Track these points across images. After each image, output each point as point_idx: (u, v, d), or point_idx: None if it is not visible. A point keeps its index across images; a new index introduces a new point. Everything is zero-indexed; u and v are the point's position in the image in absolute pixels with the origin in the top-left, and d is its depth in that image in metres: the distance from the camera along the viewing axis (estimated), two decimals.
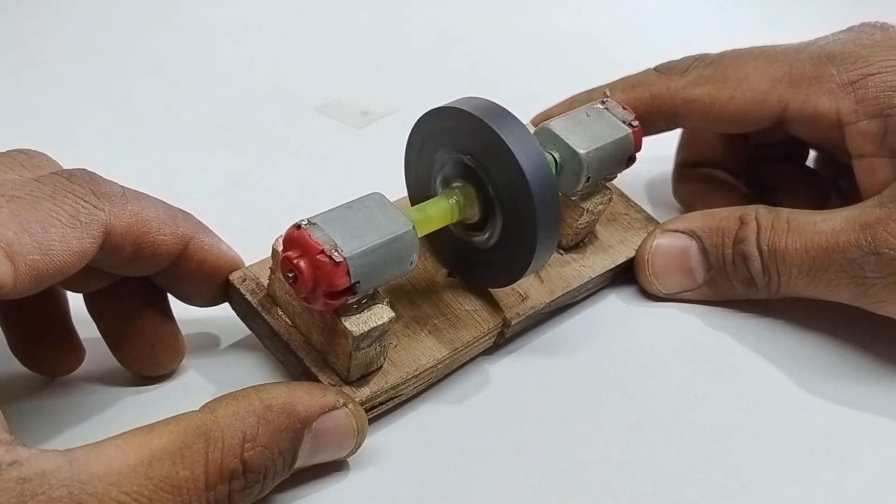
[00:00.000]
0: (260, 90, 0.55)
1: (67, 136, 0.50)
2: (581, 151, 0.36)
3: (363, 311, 0.31)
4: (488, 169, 0.33)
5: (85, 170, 0.30)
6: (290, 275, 0.30)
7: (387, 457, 0.32)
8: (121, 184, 0.31)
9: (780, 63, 0.37)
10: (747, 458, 0.33)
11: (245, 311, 0.34)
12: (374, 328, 0.30)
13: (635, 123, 0.38)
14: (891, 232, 0.32)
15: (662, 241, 0.38)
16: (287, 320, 0.33)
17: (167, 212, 0.32)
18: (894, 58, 0.34)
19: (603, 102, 0.38)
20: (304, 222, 0.30)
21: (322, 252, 0.29)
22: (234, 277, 0.34)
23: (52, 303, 0.33)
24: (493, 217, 0.34)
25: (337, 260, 0.29)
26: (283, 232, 0.31)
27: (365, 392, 0.32)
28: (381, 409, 0.33)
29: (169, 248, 0.31)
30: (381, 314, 0.31)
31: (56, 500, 0.23)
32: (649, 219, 0.42)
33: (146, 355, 0.33)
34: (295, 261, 0.29)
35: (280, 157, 0.49)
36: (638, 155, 0.38)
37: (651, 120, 0.40)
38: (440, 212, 0.33)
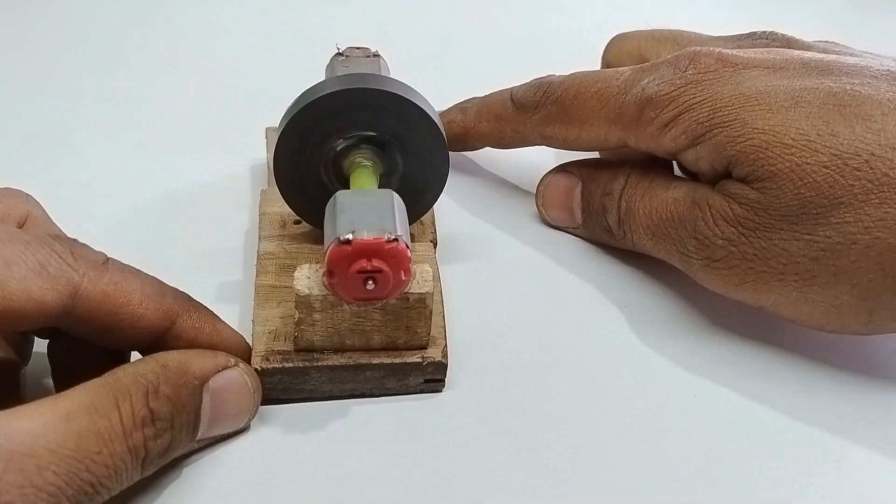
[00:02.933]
0: (260, 90, 0.55)
1: (67, 136, 0.50)
2: None
3: (414, 275, 0.33)
4: (384, 122, 0.36)
5: (75, 239, 0.30)
6: (370, 283, 0.31)
7: (386, 457, 0.32)
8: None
9: (611, 105, 0.39)
10: (747, 458, 0.33)
11: (287, 383, 0.34)
12: (432, 279, 0.33)
13: (376, 52, 0.42)
14: (707, 221, 0.35)
15: (556, 177, 0.43)
16: (336, 352, 0.34)
17: (156, 287, 0.31)
18: (700, 93, 0.36)
19: (340, 54, 0.41)
20: (341, 237, 0.30)
21: (386, 241, 0.30)
22: (256, 363, 0.33)
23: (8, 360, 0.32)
24: (395, 167, 0.38)
25: (398, 237, 0.31)
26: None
27: (442, 336, 0.35)
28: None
29: (151, 323, 0.30)
30: (424, 268, 0.33)
31: None
32: None
33: None
34: (371, 264, 0.30)
35: None
36: None
37: (518, 146, 0.45)
38: (370, 181, 0.36)
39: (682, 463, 0.32)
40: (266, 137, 0.47)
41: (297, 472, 0.32)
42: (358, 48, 0.42)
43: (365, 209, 0.32)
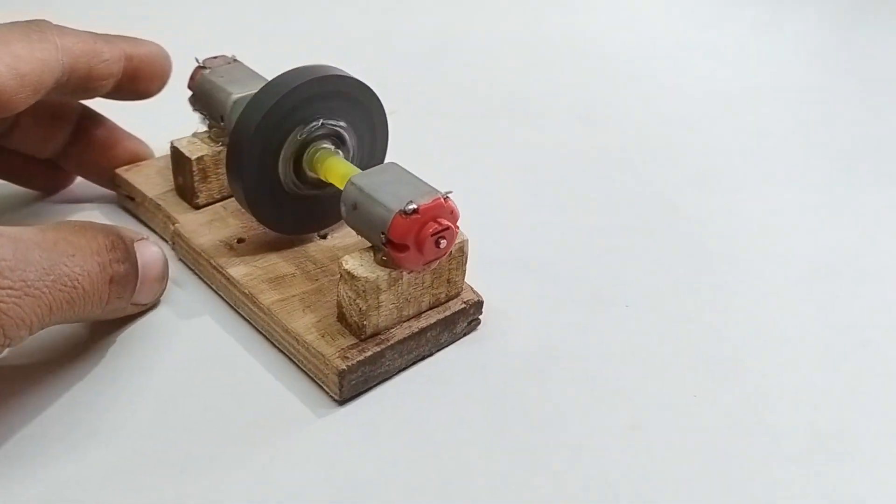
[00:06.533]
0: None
1: None
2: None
3: None
4: (334, 111, 0.37)
5: None
6: (442, 242, 0.33)
7: (385, 457, 0.32)
8: None
9: None
10: (747, 458, 0.33)
11: (367, 373, 0.34)
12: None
13: (234, 57, 0.43)
14: None
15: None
16: (396, 327, 0.35)
17: (95, 35, 0.38)
18: None
19: (203, 67, 0.42)
20: (406, 209, 0.32)
21: (443, 200, 0.33)
22: (337, 365, 0.33)
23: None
24: (350, 145, 0.38)
25: (447, 195, 0.34)
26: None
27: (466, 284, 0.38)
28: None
29: (113, 54, 0.38)
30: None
31: None
32: None
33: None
34: (439, 223, 0.33)
35: None
36: None
37: None
38: (347, 166, 0.37)
39: (682, 463, 0.32)
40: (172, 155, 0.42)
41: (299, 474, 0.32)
42: (215, 57, 0.42)
43: (394, 183, 0.34)
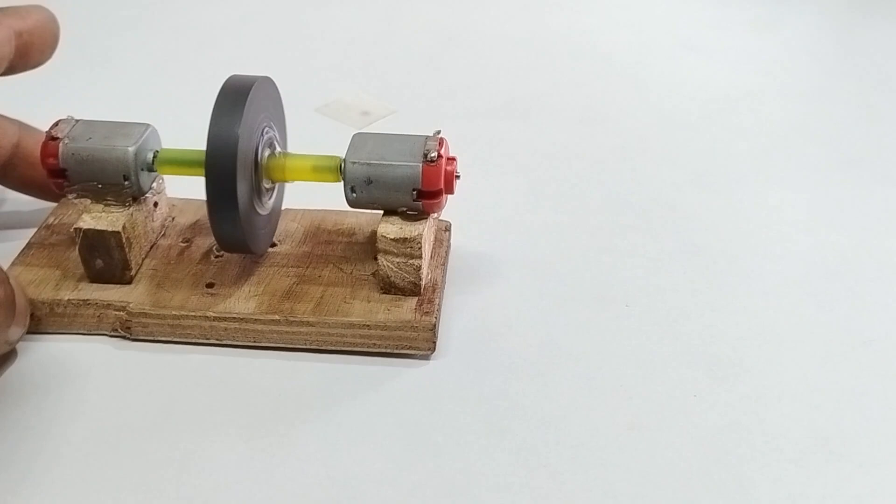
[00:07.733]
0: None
1: None
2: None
3: None
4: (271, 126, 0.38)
5: None
6: (459, 174, 0.37)
7: (385, 457, 0.32)
8: None
9: None
10: (747, 458, 0.33)
11: (437, 320, 0.36)
12: None
13: (71, 116, 0.39)
14: None
15: None
16: (433, 272, 0.38)
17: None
18: None
19: (56, 138, 0.37)
20: (429, 156, 0.35)
21: (443, 139, 0.36)
22: (430, 321, 0.35)
23: None
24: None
25: (439, 133, 0.36)
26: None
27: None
28: None
29: (5, 39, 0.37)
30: None
31: None
32: None
33: None
34: (453, 159, 0.36)
35: None
36: None
37: None
38: (311, 156, 0.38)
39: (682, 463, 0.32)
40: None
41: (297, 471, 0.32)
42: (56, 124, 0.37)
43: (387, 145, 0.36)
